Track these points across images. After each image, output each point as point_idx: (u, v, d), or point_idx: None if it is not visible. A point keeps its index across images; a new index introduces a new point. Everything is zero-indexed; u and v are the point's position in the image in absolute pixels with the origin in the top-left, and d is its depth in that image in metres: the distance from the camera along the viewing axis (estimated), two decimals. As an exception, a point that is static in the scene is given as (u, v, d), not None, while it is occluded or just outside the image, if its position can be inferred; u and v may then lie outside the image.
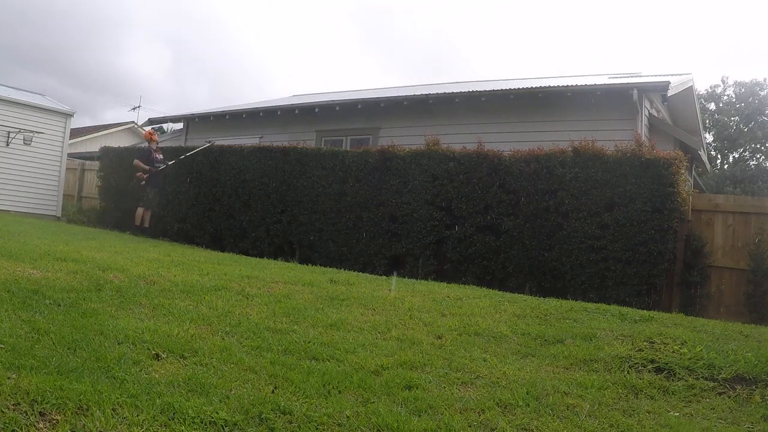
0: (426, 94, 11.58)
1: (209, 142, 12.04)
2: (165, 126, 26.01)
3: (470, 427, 2.61)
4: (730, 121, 30.37)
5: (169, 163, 11.23)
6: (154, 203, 11.22)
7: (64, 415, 2.22)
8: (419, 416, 2.66)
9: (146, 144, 11.72)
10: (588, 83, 10.44)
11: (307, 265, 8.27)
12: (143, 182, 11.01)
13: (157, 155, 11.26)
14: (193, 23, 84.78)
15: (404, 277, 7.73)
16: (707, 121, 30.19)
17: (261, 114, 13.96)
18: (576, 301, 6.06)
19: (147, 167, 11.02)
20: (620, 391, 3.24)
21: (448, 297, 5.67)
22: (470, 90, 11.38)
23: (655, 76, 12.08)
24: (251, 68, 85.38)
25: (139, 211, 11.09)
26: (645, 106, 10.01)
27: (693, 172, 12.57)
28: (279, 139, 11.79)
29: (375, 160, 9.26)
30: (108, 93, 69.98)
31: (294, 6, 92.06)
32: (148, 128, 13.83)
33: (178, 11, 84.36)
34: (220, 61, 79.45)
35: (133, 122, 27.52)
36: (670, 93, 9.77)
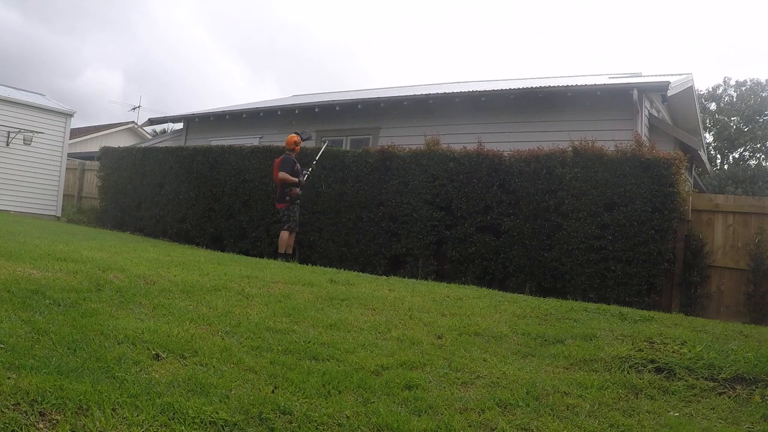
0: (426, 94, 11.58)
1: (324, 141, 10.78)
2: (165, 126, 26.05)
3: (470, 427, 2.61)
4: (731, 122, 30.36)
5: (307, 172, 9.22)
6: (297, 223, 9.09)
7: (64, 415, 2.22)
8: (419, 416, 2.66)
9: (286, 153, 9.18)
10: (588, 83, 10.45)
11: (307, 265, 8.27)
12: (297, 200, 8.89)
13: (297, 165, 9.08)
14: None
15: (404, 277, 7.74)
16: (708, 121, 30.18)
17: (261, 114, 13.97)
18: (576, 301, 6.06)
19: (296, 180, 8.88)
20: (620, 391, 3.24)
21: (448, 297, 5.67)
22: (470, 90, 11.39)
23: (655, 76, 12.08)
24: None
25: (284, 235, 8.83)
26: (645, 106, 10.02)
27: (693, 172, 12.58)
28: (279, 140, 11.79)
29: (375, 160, 9.26)
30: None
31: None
32: (291, 134, 9.48)
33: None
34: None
35: (133, 122, 27.58)
36: (670, 93, 9.78)
